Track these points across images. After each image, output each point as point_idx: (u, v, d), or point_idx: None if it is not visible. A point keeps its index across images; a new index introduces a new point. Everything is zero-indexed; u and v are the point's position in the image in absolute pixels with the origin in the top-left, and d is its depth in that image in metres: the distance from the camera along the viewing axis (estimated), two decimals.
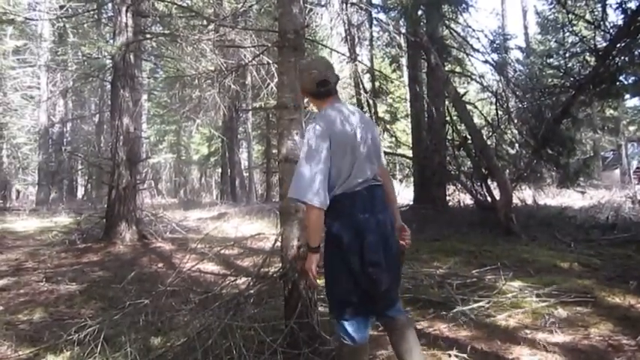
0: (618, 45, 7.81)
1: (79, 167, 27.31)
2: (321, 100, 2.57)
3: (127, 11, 9.06)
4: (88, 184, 27.63)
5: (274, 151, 20.25)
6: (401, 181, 16.79)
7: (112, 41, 10.68)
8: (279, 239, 3.83)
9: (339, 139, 2.40)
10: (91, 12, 15.02)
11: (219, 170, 26.09)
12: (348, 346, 2.44)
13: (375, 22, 11.81)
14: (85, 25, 17.21)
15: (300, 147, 2.42)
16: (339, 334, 2.48)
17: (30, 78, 22.02)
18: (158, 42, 13.05)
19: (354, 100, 11.63)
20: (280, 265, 3.87)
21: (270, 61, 8.24)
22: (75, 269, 6.78)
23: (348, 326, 2.42)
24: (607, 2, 8.45)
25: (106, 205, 9.53)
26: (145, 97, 24.00)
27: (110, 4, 12.96)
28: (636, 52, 7.75)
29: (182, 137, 32.77)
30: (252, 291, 3.80)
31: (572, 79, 8.81)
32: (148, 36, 11.16)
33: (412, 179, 12.82)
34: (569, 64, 9.88)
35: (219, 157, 25.70)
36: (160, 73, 21.73)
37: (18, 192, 27.11)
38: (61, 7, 17.28)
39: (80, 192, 29.22)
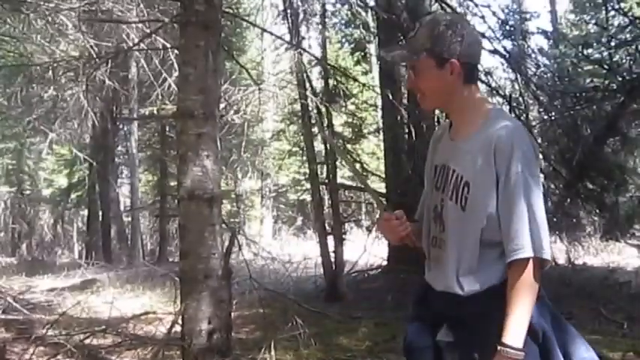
0: None
1: None
2: (471, 86, 2.37)
3: None
4: None
5: (173, 183, 20.07)
6: (369, 230, 16.91)
7: None
8: (179, 321, 3.78)
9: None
10: None
11: (85, 213, 25.61)
12: None
13: None
14: None
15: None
16: None
17: None
18: None
19: (298, 107, 11.72)
20: None
21: (168, 45, 8.25)
22: None
23: None
24: None
25: None
26: None
27: None
28: None
29: (26, 161, 32.08)
30: None
31: (619, 78, 9.10)
32: None
33: None
34: (616, 58, 10.22)
35: (84, 192, 25.25)
36: None
37: None
38: None
39: None
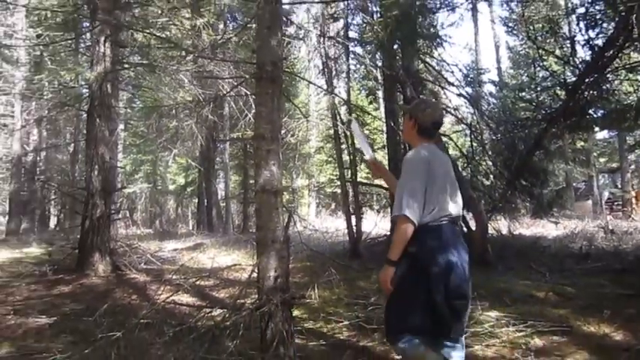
0: (587, 80, 8.00)
1: (52, 197, 26.82)
2: (423, 138, 2.90)
3: (105, 41, 9.02)
4: (60, 214, 27.06)
5: (251, 181, 20.17)
6: (378, 212, 16.83)
7: (89, 70, 10.64)
8: (256, 270, 3.79)
9: (437, 167, 2.75)
10: (69, 41, 14.95)
11: (196, 200, 25.87)
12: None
13: (351, 55, 11.96)
14: (63, 54, 17.10)
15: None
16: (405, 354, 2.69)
17: (4, 106, 21.68)
18: (136, 72, 13.03)
19: (332, 132, 11.71)
20: (257, 296, 3.83)
21: (248, 93, 8.29)
22: (45, 301, 6.59)
23: (409, 347, 2.63)
24: (575, 39, 8.77)
25: (78, 236, 9.31)
26: (121, 126, 23.87)
27: (88, 34, 12.95)
28: (604, 87, 7.98)
29: (158, 167, 32.44)
30: (227, 323, 3.74)
31: (543, 112, 9.00)
32: (126, 66, 11.14)
33: (389, 210, 12.87)
34: (541, 98, 10.10)
35: (195, 187, 25.52)
36: (138, 102, 21.66)
37: None
38: (38, 36, 17.22)
39: (53, 222, 28.59)
